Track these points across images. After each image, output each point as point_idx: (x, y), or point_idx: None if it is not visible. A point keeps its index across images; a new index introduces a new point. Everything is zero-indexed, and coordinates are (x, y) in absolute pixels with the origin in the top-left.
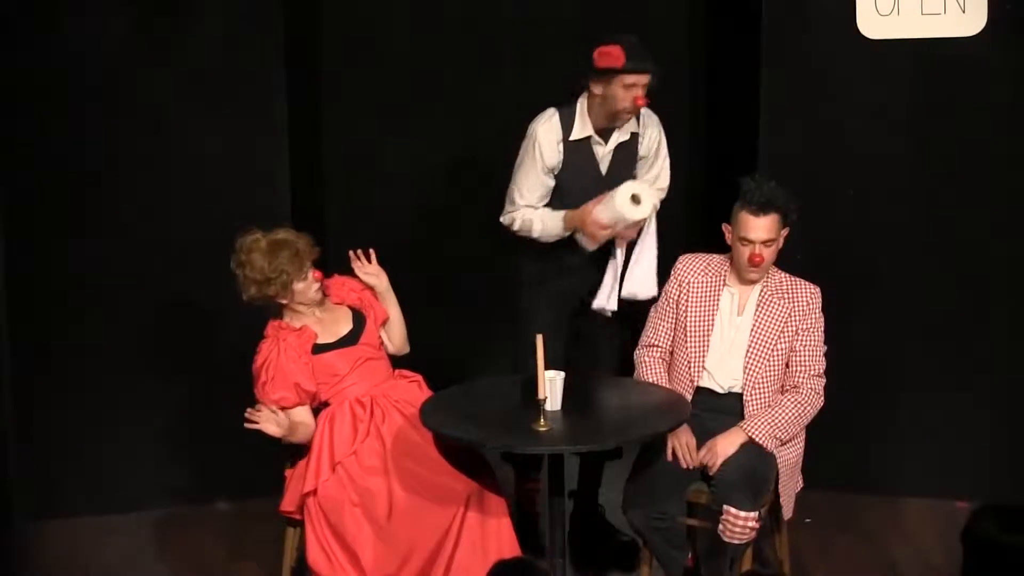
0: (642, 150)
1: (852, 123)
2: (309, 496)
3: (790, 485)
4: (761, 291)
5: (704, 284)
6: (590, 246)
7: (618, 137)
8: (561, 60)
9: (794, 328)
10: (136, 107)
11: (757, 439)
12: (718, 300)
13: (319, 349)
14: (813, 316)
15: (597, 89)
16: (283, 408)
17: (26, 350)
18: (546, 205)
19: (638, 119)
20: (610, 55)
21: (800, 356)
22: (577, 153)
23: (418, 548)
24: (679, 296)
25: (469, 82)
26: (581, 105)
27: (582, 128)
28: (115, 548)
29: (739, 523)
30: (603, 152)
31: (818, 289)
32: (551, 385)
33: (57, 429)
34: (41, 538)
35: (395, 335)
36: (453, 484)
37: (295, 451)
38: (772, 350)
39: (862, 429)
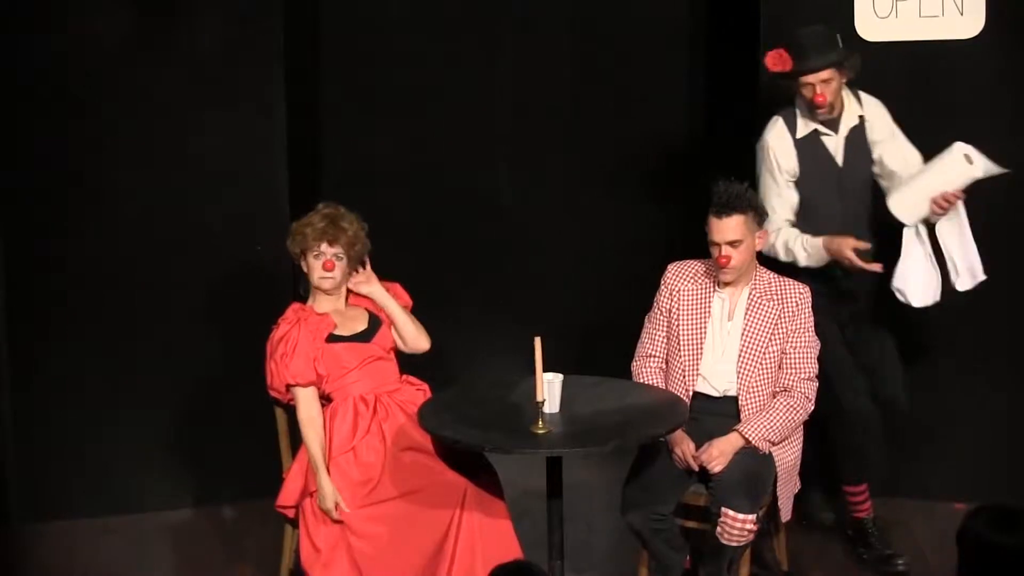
0: (874, 134)
1: None
2: (305, 498)
3: (788, 487)
4: (750, 294)
5: (694, 291)
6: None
7: (847, 123)
8: (559, 59)
9: (784, 329)
10: (134, 105)
11: (751, 440)
12: (709, 306)
13: (333, 339)
14: (803, 316)
15: (793, 91)
16: (298, 385)
17: (25, 351)
18: (795, 225)
19: (860, 102)
20: (776, 60)
21: (791, 358)
22: (810, 151)
23: (416, 548)
24: (670, 304)
25: (469, 81)
26: (799, 103)
27: (805, 125)
28: (113, 550)
29: (737, 525)
30: (835, 143)
31: (807, 288)
32: (549, 387)
33: (55, 430)
34: (39, 539)
35: (403, 333)
36: (452, 484)
37: (296, 447)
38: (764, 352)
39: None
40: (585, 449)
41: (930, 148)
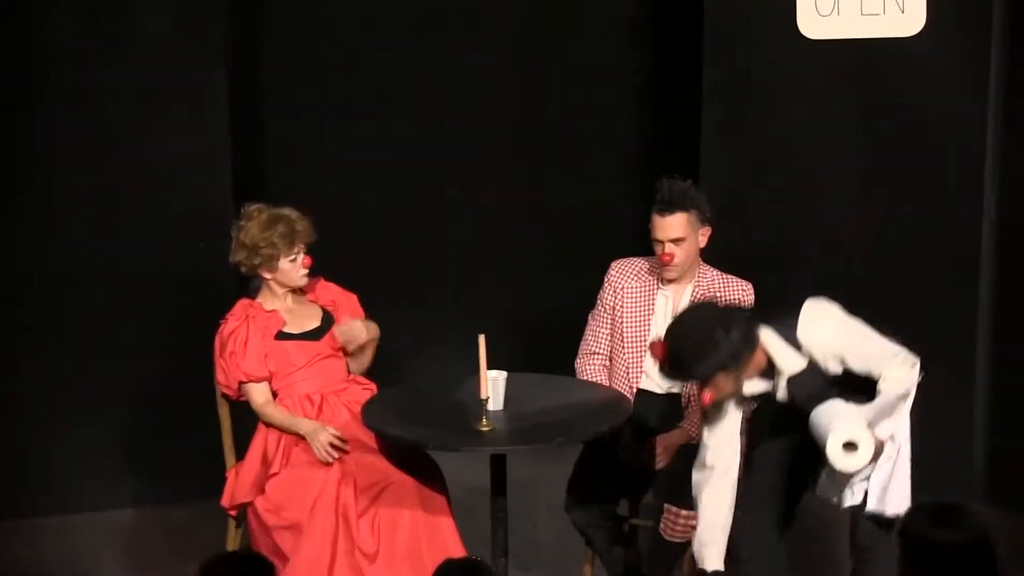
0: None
1: (793, 123)
2: (248, 505)
3: None
4: (693, 291)
5: (638, 288)
6: None
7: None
8: (510, 60)
9: None
10: (77, 105)
11: (695, 435)
12: (653, 303)
13: (282, 336)
14: None
15: None
16: (251, 382)
17: None
18: None
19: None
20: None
21: None
22: None
23: (359, 546)
24: (614, 302)
25: (415, 81)
26: None
27: None
28: (54, 550)
29: (680, 521)
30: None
31: (750, 285)
32: (493, 385)
33: (8, 429)
34: None
35: (358, 364)
36: (396, 482)
37: (240, 446)
38: None
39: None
40: (529, 446)
41: (870, 146)
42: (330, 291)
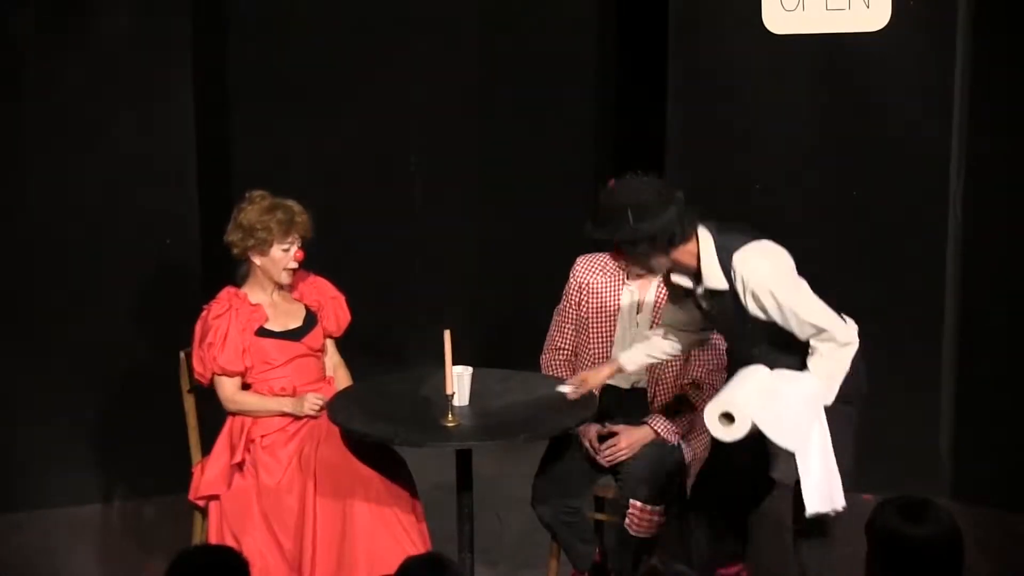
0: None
1: (758, 117)
2: (213, 500)
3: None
4: (658, 287)
5: (603, 284)
6: None
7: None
8: (475, 56)
9: None
10: (41, 99)
11: (660, 432)
12: (618, 299)
13: (262, 333)
14: None
15: None
16: (225, 374)
17: None
18: None
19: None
20: None
21: (700, 350)
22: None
23: (324, 541)
24: (579, 298)
25: (380, 76)
26: None
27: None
28: (21, 545)
29: (644, 516)
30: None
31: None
32: (459, 381)
33: None
34: None
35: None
36: (362, 478)
37: (206, 441)
38: None
39: None
40: (495, 441)
41: (835, 141)
42: (318, 290)
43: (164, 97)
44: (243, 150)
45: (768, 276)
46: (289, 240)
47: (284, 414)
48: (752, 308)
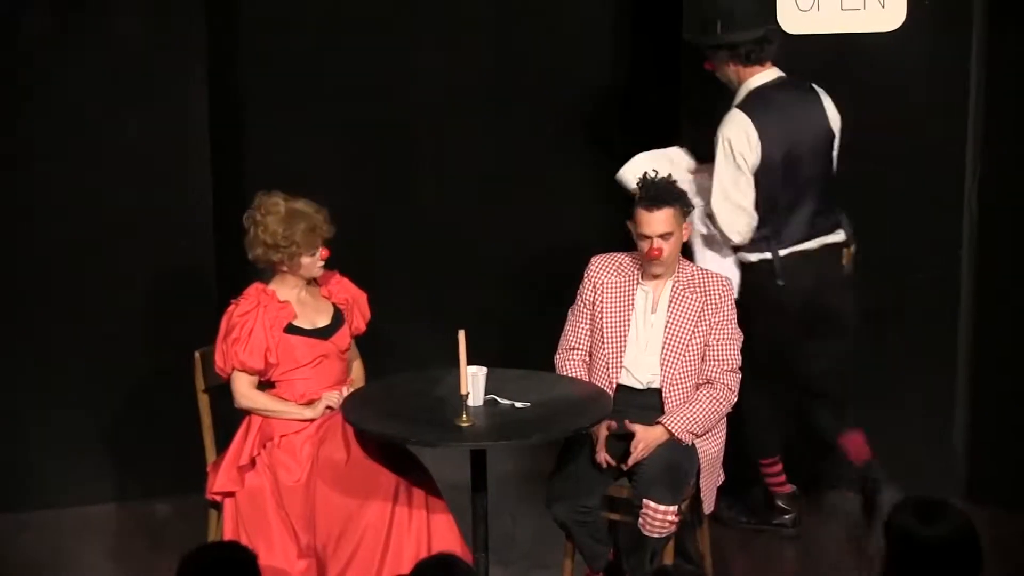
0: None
1: None
2: (228, 497)
3: (711, 479)
4: (673, 286)
5: (618, 284)
6: None
7: None
8: (492, 55)
9: (708, 321)
10: (53, 100)
11: (674, 432)
12: (632, 298)
13: (291, 329)
14: (726, 308)
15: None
16: (244, 370)
17: None
18: None
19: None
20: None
21: (714, 350)
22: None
23: (343, 543)
24: (594, 297)
25: (395, 76)
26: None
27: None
28: (33, 545)
29: (658, 516)
30: None
31: (731, 280)
32: (473, 380)
33: None
34: None
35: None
36: (380, 480)
37: (222, 440)
38: (687, 345)
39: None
40: (509, 442)
41: (850, 141)
42: (341, 284)
43: (178, 97)
44: (257, 150)
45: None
46: (316, 247)
47: (301, 419)
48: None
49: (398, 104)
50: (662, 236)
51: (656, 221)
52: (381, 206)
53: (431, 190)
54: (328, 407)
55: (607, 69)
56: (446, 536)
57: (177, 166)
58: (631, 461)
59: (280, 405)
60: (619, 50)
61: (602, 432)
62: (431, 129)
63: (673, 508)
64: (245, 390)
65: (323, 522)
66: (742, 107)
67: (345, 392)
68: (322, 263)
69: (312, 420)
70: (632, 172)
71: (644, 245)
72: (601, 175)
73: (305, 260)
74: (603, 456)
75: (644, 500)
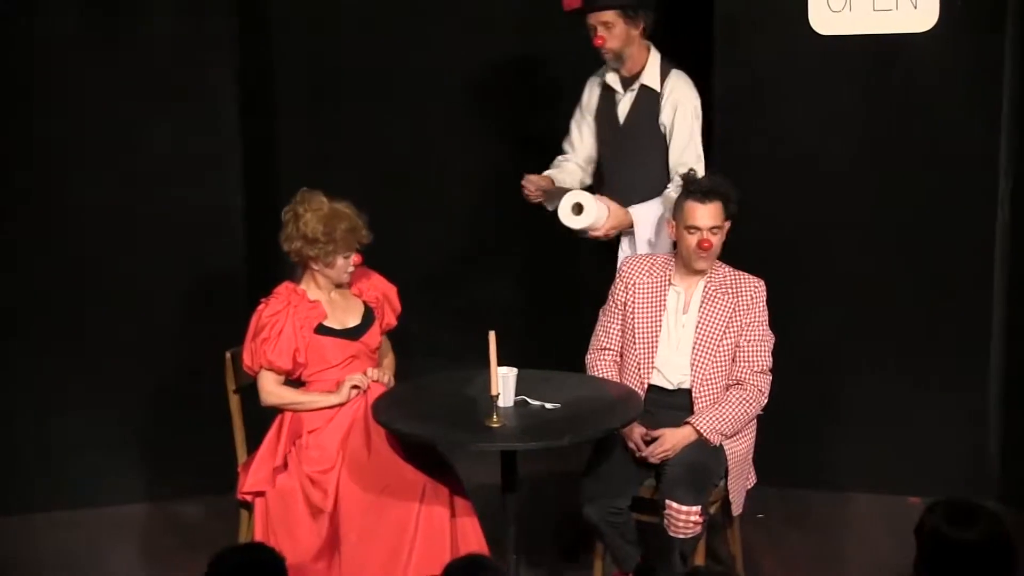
0: (663, 115)
1: (804, 119)
2: (258, 497)
3: (740, 480)
4: (705, 287)
5: (649, 284)
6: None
7: (636, 86)
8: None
9: (739, 323)
10: (87, 104)
11: (702, 432)
12: (664, 299)
13: (321, 330)
14: (757, 309)
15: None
16: (272, 369)
17: None
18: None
19: (665, 76)
20: None
21: (745, 351)
22: (604, 99)
23: (380, 545)
24: (626, 298)
25: (424, 74)
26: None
27: (610, 74)
28: (70, 544)
29: (681, 517)
30: (621, 101)
31: (762, 282)
32: (504, 381)
33: (13, 425)
34: None
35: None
36: (408, 480)
37: (253, 439)
38: (718, 346)
39: (814, 426)
40: (540, 443)
41: (881, 143)
42: (372, 280)
43: (210, 96)
44: (288, 149)
45: (692, 97)
46: (351, 251)
47: (329, 406)
48: (665, 116)
49: (431, 101)
50: (711, 229)
51: (707, 213)
52: (414, 203)
53: (465, 188)
54: (354, 387)
55: None
56: (469, 537)
57: (208, 166)
58: (656, 456)
59: (305, 396)
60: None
61: (636, 433)
62: (467, 126)
63: (696, 509)
64: (271, 387)
65: (346, 516)
66: (678, 72)
67: (371, 373)
68: (352, 269)
69: (340, 405)
70: (565, 207)
71: (693, 239)
72: None
73: (339, 261)
74: (646, 452)
75: (667, 501)
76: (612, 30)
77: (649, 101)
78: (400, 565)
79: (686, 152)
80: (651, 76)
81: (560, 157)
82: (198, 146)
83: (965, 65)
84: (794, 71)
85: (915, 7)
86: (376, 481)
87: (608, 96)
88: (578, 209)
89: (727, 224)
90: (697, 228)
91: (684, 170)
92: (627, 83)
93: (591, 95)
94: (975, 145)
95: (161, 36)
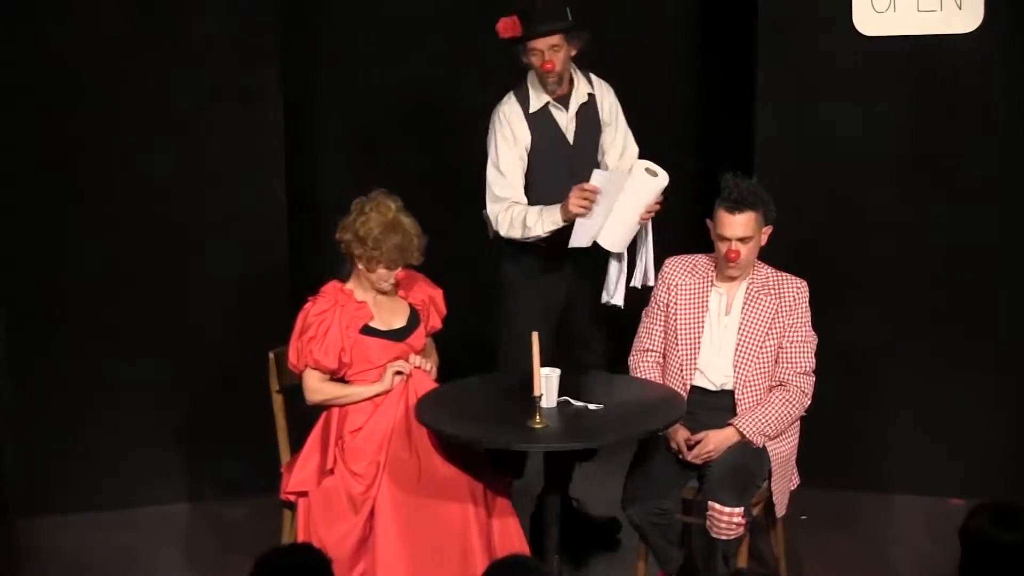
0: (603, 115)
1: (848, 120)
2: (302, 497)
3: (783, 482)
4: (748, 288)
5: (692, 285)
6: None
7: (577, 100)
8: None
9: (781, 324)
10: (132, 103)
11: (745, 434)
12: (707, 300)
13: (367, 331)
14: (800, 311)
15: (524, 59)
16: (318, 368)
17: (23, 347)
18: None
19: (590, 81)
20: (507, 26)
21: (787, 352)
22: (542, 125)
23: (413, 545)
24: (668, 299)
25: (463, 76)
26: (530, 77)
27: (537, 99)
28: (110, 544)
29: (724, 519)
30: (565, 119)
31: (804, 284)
32: (546, 383)
33: (53, 425)
34: (37, 534)
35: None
36: (449, 480)
37: (296, 440)
38: (761, 347)
39: (857, 427)
40: (583, 444)
41: (925, 143)
42: (421, 288)
43: (255, 98)
44: (332, 151)
45: (610, 87)
46: (397, 266)
47: (374, 395)
48: (605, 114)
49: (466, 103)
50: (740, 239)
51: (737, 224)
52: (453, 208)
53: None
54: (397, 372)
55: (682, 71)
56: (510, 537)
57: (252, 167)
58: (699, 458)
59: (348, 389)
60: (694, 51)
61: (680, 435)
62: None
63: (739, 510)
64: (315, 385)
65: (385, 514)
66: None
67: (413, 360)
68: (393, 282)
69: (384, 393)
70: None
71: (722, 247)
72: (675, 177)
73: (381, 271)
74: (690, 455)
75: (710, 502)
76: (558, 53)
77: (588, 109)
78: (439, 565)
79: (628, 136)
80: (583, 85)
81: (516, 207)
82: (242, 148)
83: (1009, 66)
84: (838, 72)
85: (959, 8)
86: (417, 481)
87: (545, 121)
88: (652, 172)
89: (766, 230)
90: (726, 238)
91: (635, 153)
92: (563, 100)
93: (518, 129)
94: (1020, 146)
95: (207, 36)
